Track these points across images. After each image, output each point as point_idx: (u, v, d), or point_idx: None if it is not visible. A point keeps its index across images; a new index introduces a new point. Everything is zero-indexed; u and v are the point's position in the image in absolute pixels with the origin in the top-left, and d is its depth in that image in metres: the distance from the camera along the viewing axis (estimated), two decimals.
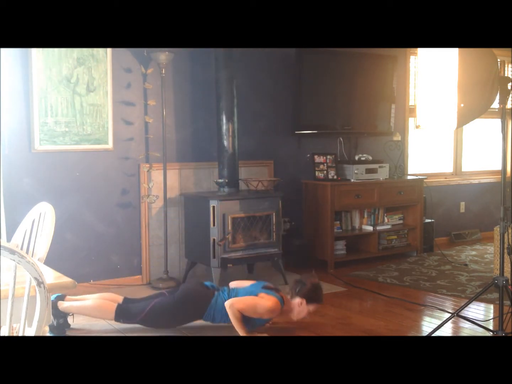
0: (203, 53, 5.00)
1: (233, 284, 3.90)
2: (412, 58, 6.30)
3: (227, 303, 3.50)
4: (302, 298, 3.61)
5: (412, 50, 6.21)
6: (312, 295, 3.63)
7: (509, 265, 3.93)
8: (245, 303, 3.52)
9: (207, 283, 3.79)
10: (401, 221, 6.04)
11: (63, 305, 3.58)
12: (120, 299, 3.66)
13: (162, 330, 3.66)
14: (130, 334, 3.60)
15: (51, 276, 2.17)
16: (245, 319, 3.52)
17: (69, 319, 3.65)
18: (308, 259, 5.39)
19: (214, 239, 4.56)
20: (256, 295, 3.61)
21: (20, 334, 1.86)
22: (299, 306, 3.63)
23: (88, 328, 3.73)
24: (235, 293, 3.67)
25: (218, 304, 3.59)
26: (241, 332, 3.47)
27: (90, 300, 3.64)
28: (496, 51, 4.20)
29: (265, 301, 3.54)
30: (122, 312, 3.56)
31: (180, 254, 5.01)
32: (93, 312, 3.60)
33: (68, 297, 3.70)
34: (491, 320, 3.86)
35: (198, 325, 3.73)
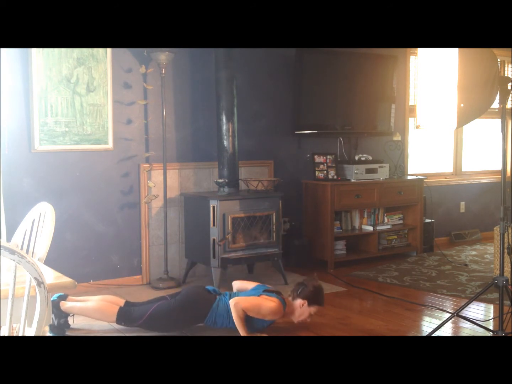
0: (203, 53, 5.00)
1: (236, 285, 3.91)
2: (412, 58, 6.30)
3: (231, 301, 3.50)
4: (304, 299, 3.62)
5: (412, 50, 6.21)
6: (313, 297, 3.63)
7: (509, 265, 3.93)
8: (250, 302, 3.53)
9: (209, 287, 3.78)
10: (401, 221, 6.04)
11: (65, 305, 3.61)
12: (121, 302, 3.69)
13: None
14: (130, 334, 3.61)
15: (51, 276, 2.17)
16: (247, 320, 3.52)
17: (69, 320, 3.67)
18: (308, 259, 5.39)
19: (214, 239, 4.55)
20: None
21: (20, 334, 1.86)
22: (300, 308, 3.64)
23: (88, 328, 3.73)
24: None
25: (219, 308, 3.59)
26: (242, 332, 3.47)
27: (92, 301, 3.65)
28: (496, 51, 4.20)
29: (269, 302, 3.55)
30: (124, 315, 3.57)
31: (180, 254, 5.01)
32: (95, 314, 3.62)
33: (70, 297, 3.72)
34: (491, 320, 3.86)
35: (199, 326, 3.73)
